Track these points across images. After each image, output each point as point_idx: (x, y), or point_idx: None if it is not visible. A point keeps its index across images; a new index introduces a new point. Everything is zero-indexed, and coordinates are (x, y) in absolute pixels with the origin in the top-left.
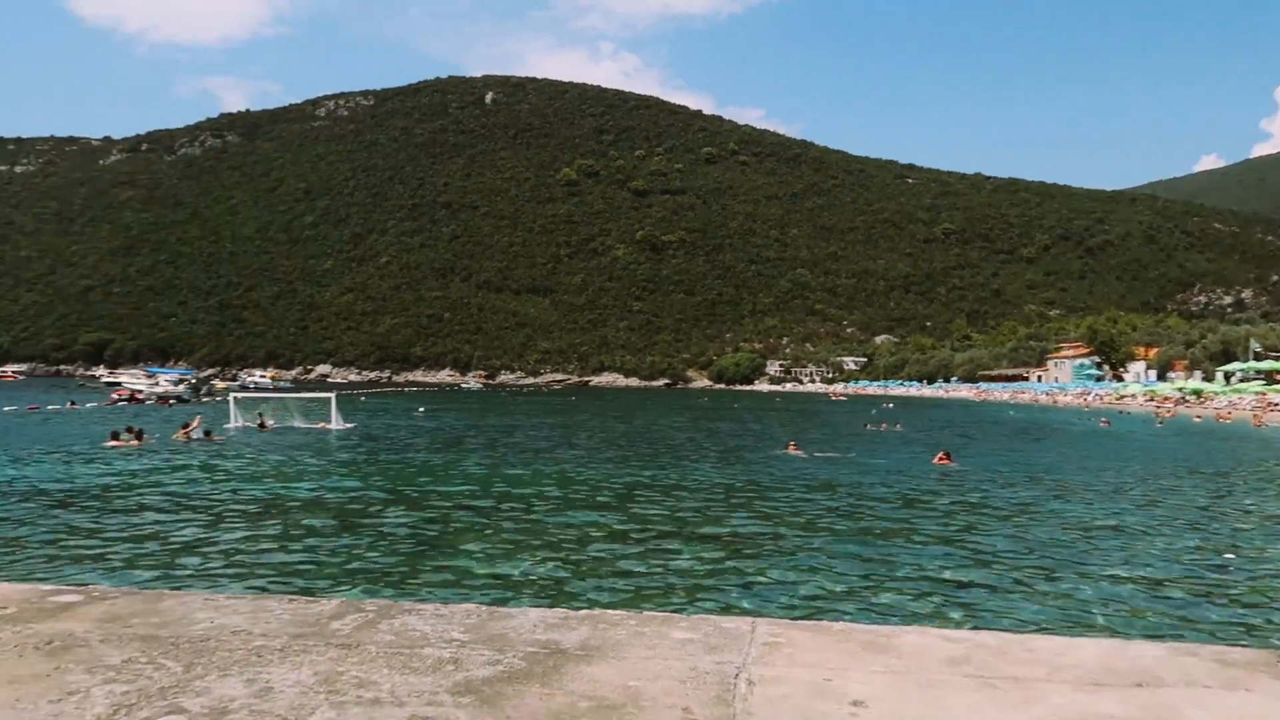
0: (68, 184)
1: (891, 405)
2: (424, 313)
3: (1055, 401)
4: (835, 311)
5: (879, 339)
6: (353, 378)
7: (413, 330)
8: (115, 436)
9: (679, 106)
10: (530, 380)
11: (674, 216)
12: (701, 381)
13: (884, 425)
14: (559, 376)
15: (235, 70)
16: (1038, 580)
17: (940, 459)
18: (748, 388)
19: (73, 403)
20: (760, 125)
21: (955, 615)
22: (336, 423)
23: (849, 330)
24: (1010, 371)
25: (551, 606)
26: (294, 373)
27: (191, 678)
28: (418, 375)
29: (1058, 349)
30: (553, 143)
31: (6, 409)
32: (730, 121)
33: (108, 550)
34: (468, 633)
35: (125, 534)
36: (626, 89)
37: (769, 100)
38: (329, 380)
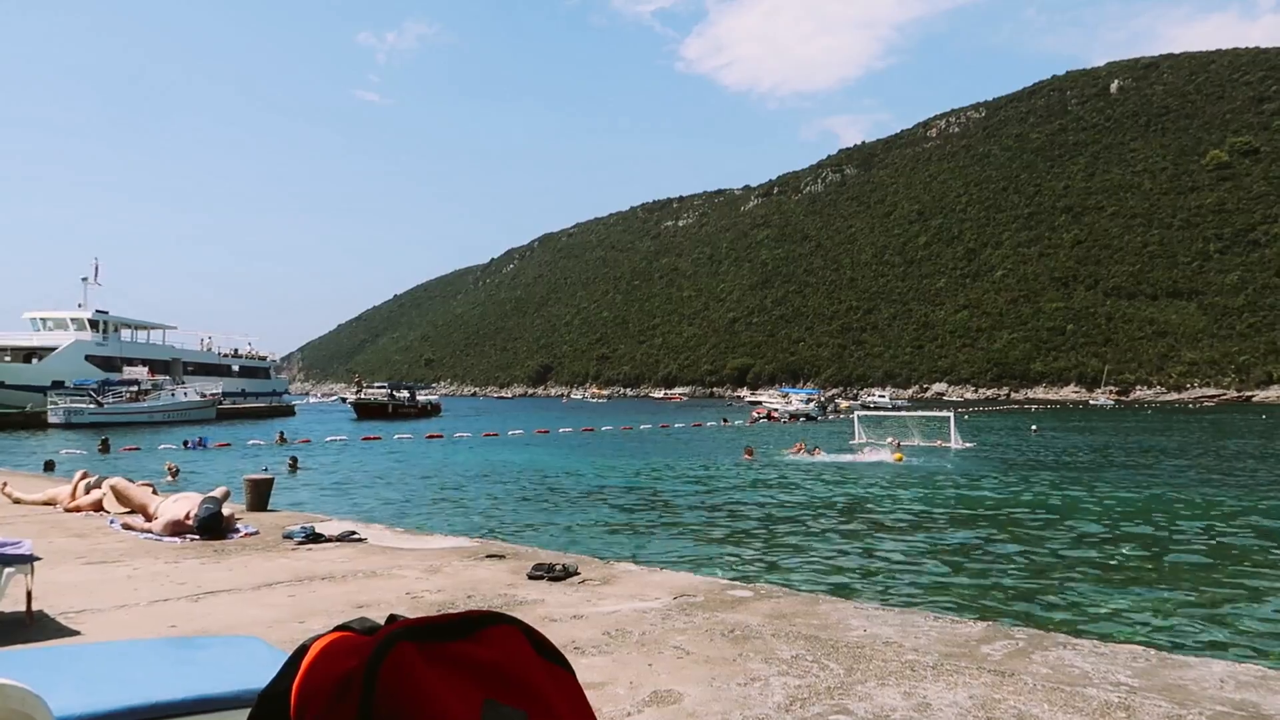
0: (717, 231)
1: None
2: (1044, 326)
3: None
4: None
5: None
6: (969, 395)
7: (1031, 345)
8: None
9: None
10: (1174, 396)
11: None
12: None
13: None
14: (1211, 391)
15: (851, 107)
16: None
17: None
18: None
19: (725, 420)
20: None
21: None
22: (956, 441)
23: None
24: None
25: (1235, 660)
26: (910, 391)
27: (853, 681)
28: (1038, 392)
29: None
30: (1195, 124)
31: (677, 425)
32: None
33: (754, 548)
34: (1136, 678)
35: (764, 535)
36: None
37: None
38: (945, 399)
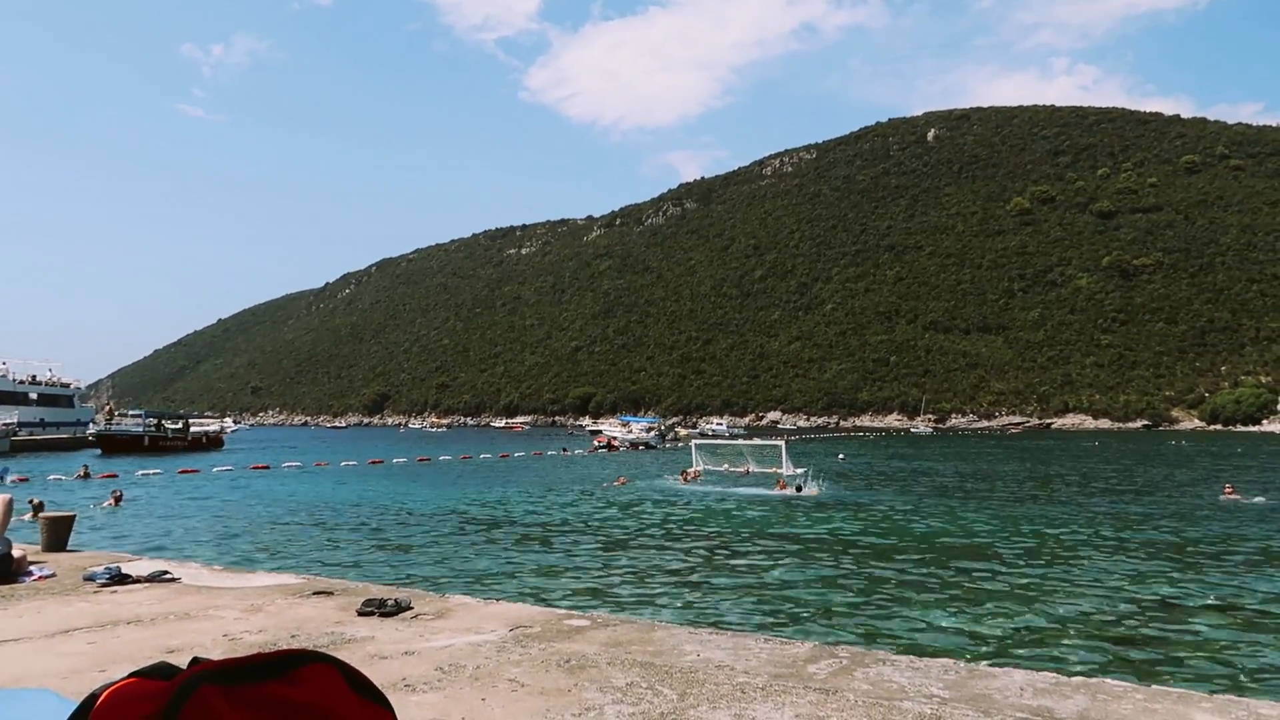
0: (560, 260)
1: None
2: (869, 357)
3: None
4: None
5: None
6: (801, 423)
7: (859, 375)
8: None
9: (1150, 115)
10: (984, 424)
11: (1148, 237)
12: (1190, 423)
13: None
14: (1016, 419)
15: (690, 143)
16: None
17: None
18: (1253, 429)
19: (565, 449)
20: (1258, 122)
21: None
22: (788, 468)
23: None
24: None
25: (1034, 669)
26: (747, 420)
27: (685, 706)
28: (865, 420)
29: None
30: (1001, 172)
31: (518, 454)
32: (1217, 123)
33: (594, 577)
34: (947, 689)
35: (604, 563)
36: (1084, 104)
37: (1271, 90)
38: (780, 426)
